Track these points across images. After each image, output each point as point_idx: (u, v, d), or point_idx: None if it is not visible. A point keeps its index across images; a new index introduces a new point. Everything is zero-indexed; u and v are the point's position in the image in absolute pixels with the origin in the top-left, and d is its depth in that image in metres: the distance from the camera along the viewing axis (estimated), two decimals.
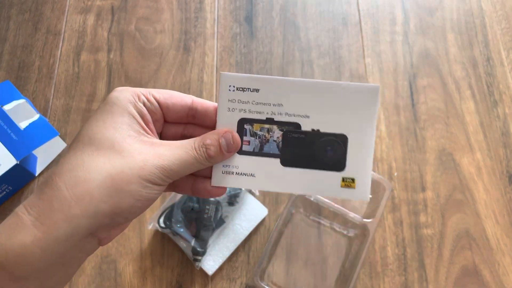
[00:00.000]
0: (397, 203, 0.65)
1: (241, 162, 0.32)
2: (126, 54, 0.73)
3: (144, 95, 0.31)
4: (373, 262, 0.62)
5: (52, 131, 0.63)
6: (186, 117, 0.33)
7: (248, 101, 0.32)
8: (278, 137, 0.32)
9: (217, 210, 0.59)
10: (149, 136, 0.30)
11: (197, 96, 0.74)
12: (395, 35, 0.77)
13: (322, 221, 0.64)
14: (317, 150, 0.32)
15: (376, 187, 0.64)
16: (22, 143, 0.59)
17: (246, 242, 0.62)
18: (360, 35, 0.76)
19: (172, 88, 0.70)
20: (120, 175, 0.27)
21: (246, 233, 0.61)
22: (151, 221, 0.60)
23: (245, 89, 0.32)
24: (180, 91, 0.73)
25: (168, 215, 0.59)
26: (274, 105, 0.32)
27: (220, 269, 0.60)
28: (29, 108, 0.63)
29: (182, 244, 0.59)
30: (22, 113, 0.62)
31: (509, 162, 0.68)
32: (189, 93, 0.73)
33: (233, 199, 0.61)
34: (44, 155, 0.64)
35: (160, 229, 0.59)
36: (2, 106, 0.61)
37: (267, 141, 0.32)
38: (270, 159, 0.32)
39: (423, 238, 0.63)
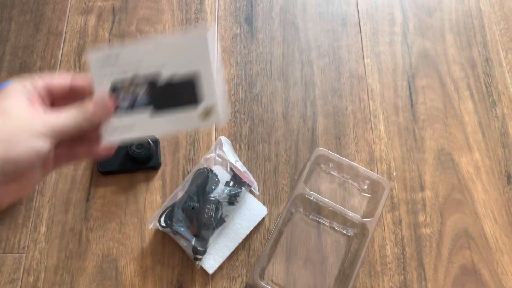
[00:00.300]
0: (396, 202, 0.66)
1: (120, 119, 0.38)
2: None
3: (30, 80, 0.35)
4: (372, 261, 0.62)
5: None
6: (70, 94, 0.37)
7: (114, 68, 0.38)
8: (144, 91, 0.38)
9: (217, 209, 0.60)
10: (37, 107, 0.35)
11: None
12: (394, 35, 0.77)
13: (321, 220, 0.64)
14: (175, 93, 0.37)
15: (375, 186, 0.65)
16: None
17: (246, 242, 0.62)
18: (360, 36, 0.77)
19: None
20: (8, 129, 0.32)
21: (246, 232, 0.62)
22: (152, 220, 0.60)
23: (109, 59, 0.38)
24: None
25: (169, 214, 0.59)
26: (134, 65, 0.37)
27: (220, 268, 0.60)
28: None
29: (182, 243, 0.60)
30: None
31: (507, 162, 0.69)
32: None
33: (233, 198, 0.61)
34: None
35: (161, 228, 0.59)
36: None
37: (137, 96, 0.38)
38: (142, 110, 0.38)
39: (422, 237, 0.64)
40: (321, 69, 0.74)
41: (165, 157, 0.67)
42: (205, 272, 0.60)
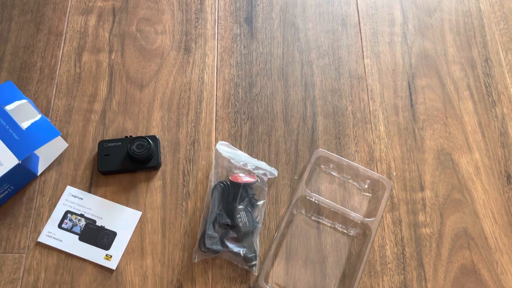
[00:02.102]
0: (396, 202, 0.66)
1: (60, 233, 0.61)
2: (127, 54, 0.73)
3: None
4: (372, 261, 0.62)
5: (54, 131, 0.63)
6: None
7: (74, 203, 0.63)
8: (83, 224, 0.62)
9: (247, 213, 0.60)
10: None
11: (197, 96, 0.74)
12: (394, 36, 0.77)
13: (323, 221, 0.64)
14: (99, 238, 0.61)
15: (375, 186, 0.65)
16: (24, 143, 0.59)
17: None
18: (360, 36, 0.77)
19: (173, 89, 0.71)
20: None
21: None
22: (195, 254, 0.60)
23: (75, 197, 0.64)
24: (181, 92, 0.73)
25: (205, 239, 0.59)
26: (87, 208, 0.63)
27: (220, 268, 0.61)
28: (31, 108, 0.63)
29: (232, 257, 0.60)
30: (24, 113, 0.62)
31: (507, 162, 0.69)
32: (189, 94, 0.73)
33: (253, 200, 0.62)
34: (45, 155, 0.64)
35: (206, 256, 0.60)
36: (4, 106, 0.61)
37: (76, 225, 0.62)
38: (74, 235, 0.61)
39: (422, 237, 0.64)
40: (321, 69, 0.74)
41: (165, 157, 0.67)
42: (205, 272, 0.60)
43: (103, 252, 0.60)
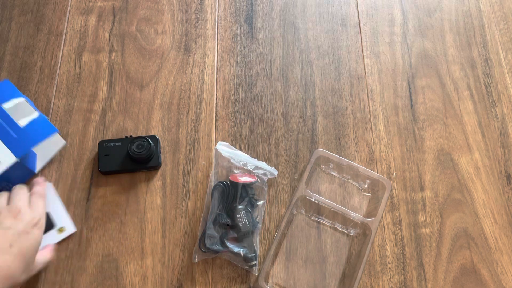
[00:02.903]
0: (396, 202, 0.66)
1: None
2: (127, 54, 0.73)
3: None
4: (372, 261, 0.62)
5: (51, 128, 0.63)
6: None
7: None
8: None
9: (247, 213, 0.60)
10: None
11: (197, 96, 0.74)
12: (394, 36, 0.77)
13: (323, 221, 0.64)
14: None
15: (375, 186, 0.65)
16: (22, 140, 0.59)
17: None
18: (359, 36, 0.77)
19: (173, 89, 0.71)
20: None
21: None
22: (195, 254, 0.60)
23: None
24: (181, 92, 0.73)
25: (205, 239, 0.59)
26: None
27: (220, 268, 0.60)
28: (28, 106, 0.63)
29: (232, 257, 0.60)
30: (22, 111, 0.62)
31: (507, 162, 0.69)
32: (189, 94, 0.73)
33: (253, 200, 0.62)
34: (43, 152, 0.64)
35: (206, 256, 0.60)
36: (1, 105, 0.61)
37: None
38: None
39: (422, 237, 0.64)
40: (321, 69, 0.74)
41: (165, 157, 0.67)
42: (205, 272, 0.60)
43: (53, 232, 0.61)
